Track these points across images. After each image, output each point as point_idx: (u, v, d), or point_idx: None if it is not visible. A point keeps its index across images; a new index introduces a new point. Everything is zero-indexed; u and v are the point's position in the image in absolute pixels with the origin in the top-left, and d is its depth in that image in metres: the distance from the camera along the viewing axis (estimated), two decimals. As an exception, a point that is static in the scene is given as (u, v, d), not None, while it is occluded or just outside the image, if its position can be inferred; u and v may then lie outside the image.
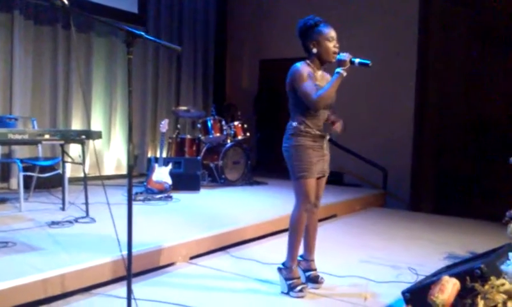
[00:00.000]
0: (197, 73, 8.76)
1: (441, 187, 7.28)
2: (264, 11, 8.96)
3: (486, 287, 1.92)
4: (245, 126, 7.22)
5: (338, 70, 3.05)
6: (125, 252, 2.45)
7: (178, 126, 7.34)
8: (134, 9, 7.48)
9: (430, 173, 7.41)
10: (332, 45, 3.13)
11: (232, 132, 7.07)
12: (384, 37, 7.49)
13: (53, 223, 4.07)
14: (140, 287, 3.19)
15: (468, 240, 4.88)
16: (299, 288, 3.14)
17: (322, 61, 3.18)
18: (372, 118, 7.66)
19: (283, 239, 3.33)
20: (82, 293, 3.04)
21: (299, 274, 3.25)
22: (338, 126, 3.24)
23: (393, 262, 3.97)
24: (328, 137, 3.25)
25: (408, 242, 4.79)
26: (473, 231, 5.37)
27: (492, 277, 1.97)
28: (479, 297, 1.95)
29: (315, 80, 3.13)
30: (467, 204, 6.61)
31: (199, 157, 6.59)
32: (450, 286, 2.03)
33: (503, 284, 1.92)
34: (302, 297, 3.12)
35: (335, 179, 7.54)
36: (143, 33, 2.23)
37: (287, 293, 3.16)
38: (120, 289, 3.04)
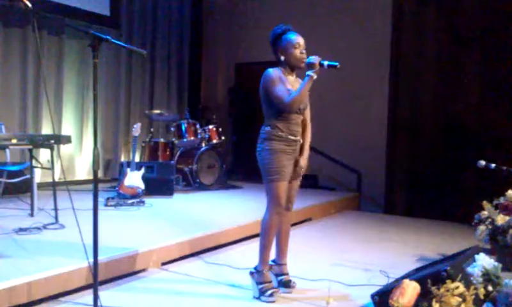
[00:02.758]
0: (171, 75, 8.66)
1: (415, 189, 7.36)
2: (240, 15, 8.95)
3: (442, 290, 1.94)
4: (220, 129, 7.18)
5: (308, 72, 3.10)
6: (92, 259, 2.41)
7: (152, 129, 7.25)
8: (106, 11, 7.38)
9: (404, 176, 7.48)
10: (298, 52, 3.17)
11: (207, 136, 7.02)
12: (357, 41, 7.55)
13: (20, 230, 3.96)
14: (110, 294, 3.15)
15: (440, 242, 4.95)
16: (269, 292, 3.13)
17: (292, 67, 3.22)
18: (346, 121, 7.71)
19: (257, 243, 3.31)
20: (50, 301, 2.98)
21: (270, 278, 3.25)
22: None
23: (367, 265, 4.00)
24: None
25: (381, 244, 4.83)
26: (445, 233, 5.45)
27: (448, 281, 1.99)
28: (434, 300, 1.97)
29: (287, 85, 3.15)
30: (440, 207, 6.69)
31: (172, 161, 6.53)
32: (410, 290, 2.05)
33: (457, 287, 1.95)
34: (273, 301, 3.12)
35: (310, 182, 7.57)
36: (109, 37, 2.19)
37: (258, 298, 3.15)
38: (89, 296, 2.98)
